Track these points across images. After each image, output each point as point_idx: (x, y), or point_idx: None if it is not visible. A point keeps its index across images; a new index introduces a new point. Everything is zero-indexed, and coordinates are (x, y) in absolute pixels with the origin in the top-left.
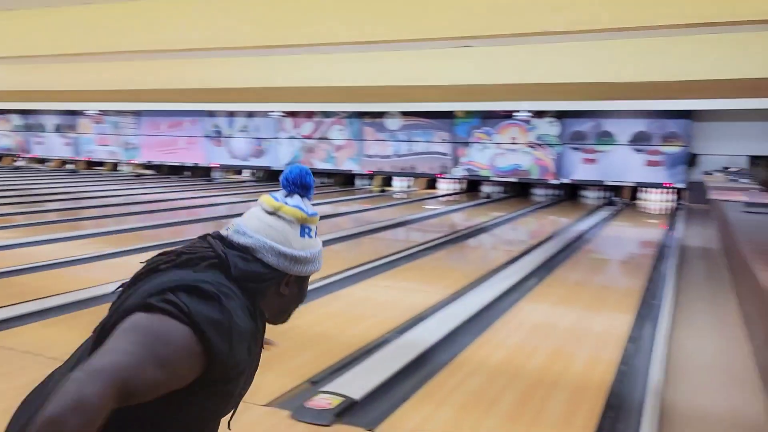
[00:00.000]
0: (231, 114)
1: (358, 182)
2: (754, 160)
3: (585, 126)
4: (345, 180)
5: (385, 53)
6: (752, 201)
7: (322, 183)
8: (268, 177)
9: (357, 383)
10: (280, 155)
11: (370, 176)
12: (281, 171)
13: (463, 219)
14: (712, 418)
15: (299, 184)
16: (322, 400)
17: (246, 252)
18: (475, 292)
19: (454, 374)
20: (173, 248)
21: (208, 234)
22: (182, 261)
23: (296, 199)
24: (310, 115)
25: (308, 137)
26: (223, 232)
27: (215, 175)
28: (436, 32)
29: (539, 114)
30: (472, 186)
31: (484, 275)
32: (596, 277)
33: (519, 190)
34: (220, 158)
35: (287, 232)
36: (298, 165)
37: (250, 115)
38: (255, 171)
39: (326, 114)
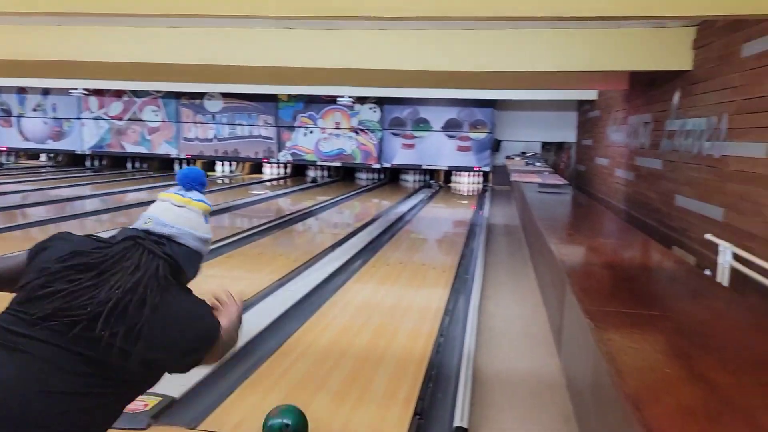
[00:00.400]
0: (21, 90)
1: (176, 167)
2: (546, 145)
3: (404, 113)
4: (162, 165)
5: (202, 29)
6: (545, 182)
7: (135, 168)
8: (71, 162)
9: (176, 380)
10: (85, 138)
11: (190, 160)
12: (86, 155)
13: (289, 204)
14: (517, 377)
15: (199, 182)
16: (137, 402)
17: (170, 240)
18: (302, 276)
19: (282, 361)
20: (135, 266)
21: (137, 237)
22: (163, 284)
23: (196, 194)
24: (119, 94)
25: (117, 118)
26: (143, 226)
27: (4, 159)
28: (254, 10)
29: (361, 100)
30: (298, 170)
31: (311, 259)
32: (416, 256)
33: (344, 175)
34: (10, 141)
35: (197, 221)
36: (192, 167)
37: (46, 92)
38: (54, 155)
39: (137, 93)
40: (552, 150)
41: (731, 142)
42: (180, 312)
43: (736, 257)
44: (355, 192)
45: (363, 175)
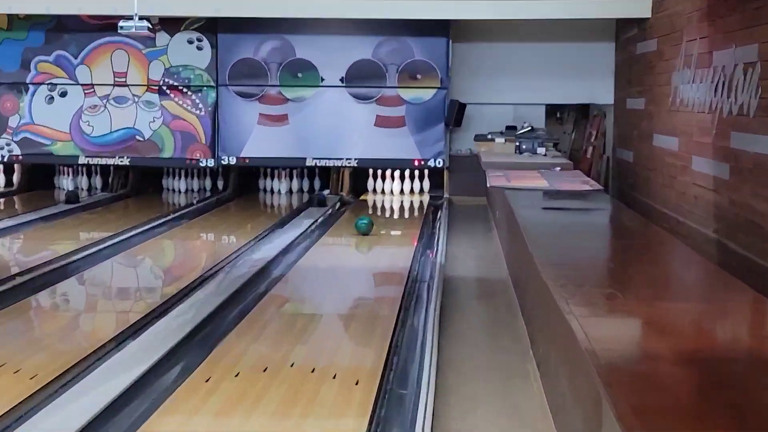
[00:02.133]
0: None
1: None
2: (556, 112)
3: (261, 50)
4: None
5: None
6: (556, 188)
7: None
8: None
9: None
10: None
11: None
12: None
13: (18, 251)
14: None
15: None
16: None
17: None
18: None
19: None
20: None
21: None
22: None
23: None
24: None
25: None
26: None
27: None
28: None
29: (171, 25)
30: (38, 177)
31: (63, 374)
32: (294, 353)
33: (137, 183)
34: None
35: None
36: None
37: None
38: None
39: None
40: (568, 121)
41: None
42: None
43: None
44: (167, 219)
45: (180, 183)
